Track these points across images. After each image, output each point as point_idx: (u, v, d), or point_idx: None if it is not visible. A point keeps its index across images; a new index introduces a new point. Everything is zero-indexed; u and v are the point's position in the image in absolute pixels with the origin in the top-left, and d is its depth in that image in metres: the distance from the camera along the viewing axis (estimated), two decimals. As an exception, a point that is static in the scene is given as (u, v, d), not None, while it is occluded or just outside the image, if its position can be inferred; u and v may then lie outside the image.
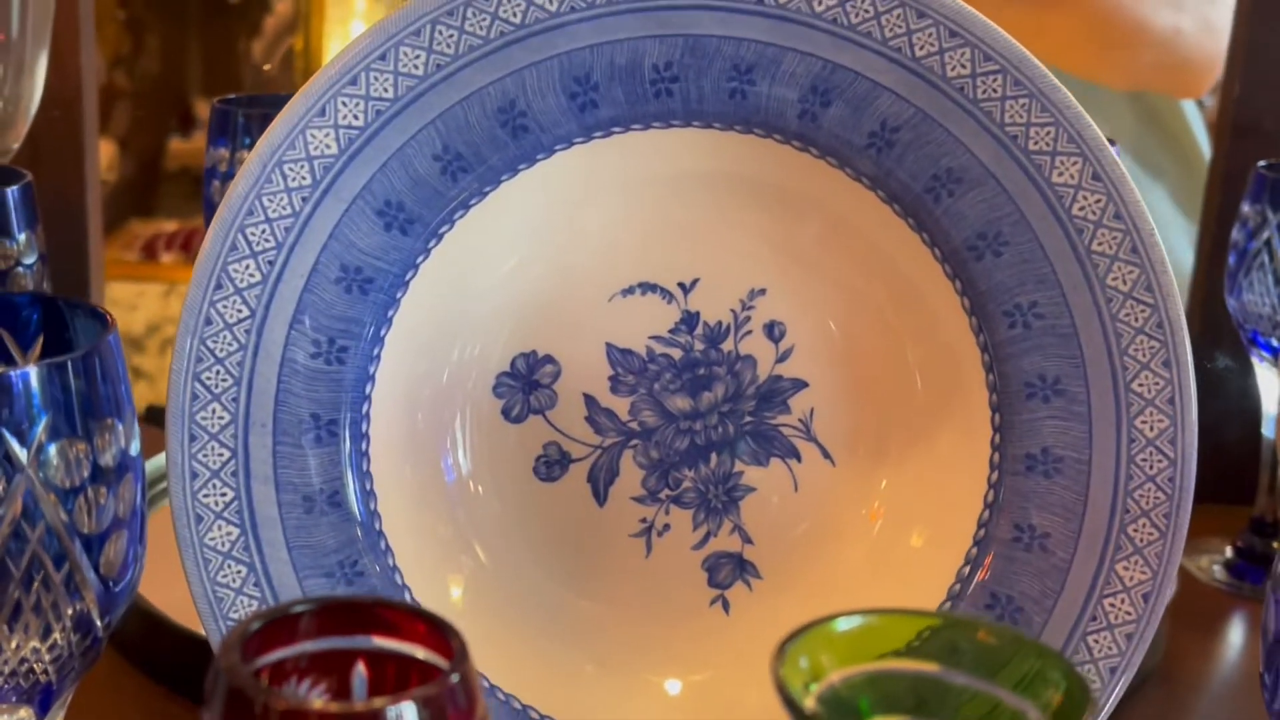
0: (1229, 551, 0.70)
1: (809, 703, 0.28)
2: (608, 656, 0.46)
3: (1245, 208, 0.63)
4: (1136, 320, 0.42)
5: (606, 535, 0.47)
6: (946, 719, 0.29)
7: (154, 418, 0.41)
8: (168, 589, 0.59)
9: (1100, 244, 0.42)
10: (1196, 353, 0.43)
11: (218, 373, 0.42)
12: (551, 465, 0.46)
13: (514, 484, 0.46)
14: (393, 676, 0.31)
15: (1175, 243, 0.90)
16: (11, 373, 0.34)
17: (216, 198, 0.57)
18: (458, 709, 0.29)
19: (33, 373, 0.34)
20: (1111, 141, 0.44)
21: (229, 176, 0.59)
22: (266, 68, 1.59)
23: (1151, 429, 0.43)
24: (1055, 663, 0.29)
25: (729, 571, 0.47)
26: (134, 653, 0.61)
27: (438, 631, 0.30)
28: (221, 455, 0.42)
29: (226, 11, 1.68)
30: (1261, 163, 0.64)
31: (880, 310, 0.46)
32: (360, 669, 0.32)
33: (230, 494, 0.42)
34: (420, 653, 0.31)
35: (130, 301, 1.37)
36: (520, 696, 0.45)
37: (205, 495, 0.42)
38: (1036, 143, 0.42)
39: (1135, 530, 0.43)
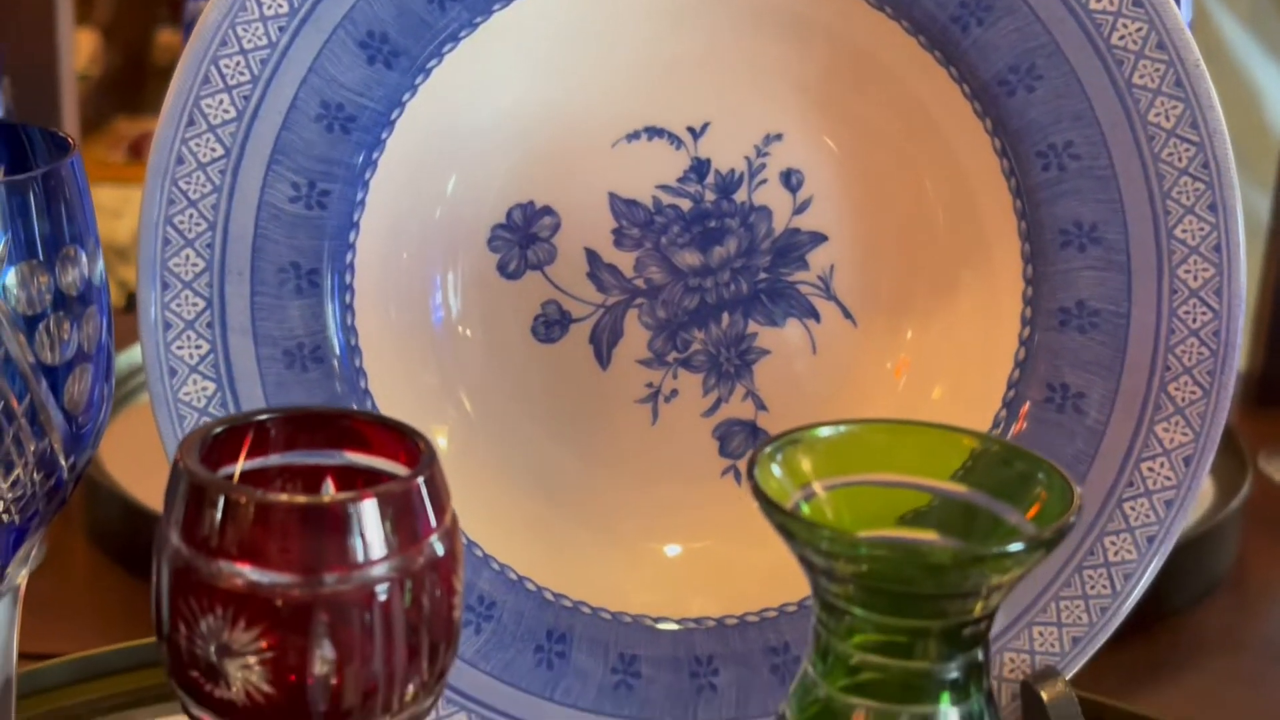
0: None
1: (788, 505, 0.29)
2: (606, 523, 0.45)
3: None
4: (1180, 160, 0.41)
5: (609, 401, 0.45)
6: (928, 529, 0.29)
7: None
8: (151, 484, 0.59)
9: (1141, 77, 0.40)
10: None
11: (191, 216, 0.41)
12: (551, 325, 0.45)
13: (510, 345, 0.45)
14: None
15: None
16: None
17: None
18: (421, 512, 0.28)
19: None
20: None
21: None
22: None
23: (1195, 279, 0.41)
24: (1037, 464, 0.29)
25: (742, 440, 0.46)
26: (115, 546, 0.61)
27: (408, 441, 0.30)
28: (196, 305, 0.41)
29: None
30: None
31: (905, 155, 0.44)
32: (329, 484, 0.31)
33: (206, 347, 0.42)
34: (391, 467, 0.30)
35: (115, 208, 1.29)
36: (516, 567, 0.44)
37: (179, 348, 0.42)
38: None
39: (1176, 389, 0.42)
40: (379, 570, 0.28)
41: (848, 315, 0.45)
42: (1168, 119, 0.41)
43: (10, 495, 0.36)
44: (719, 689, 0.44)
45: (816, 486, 0.30)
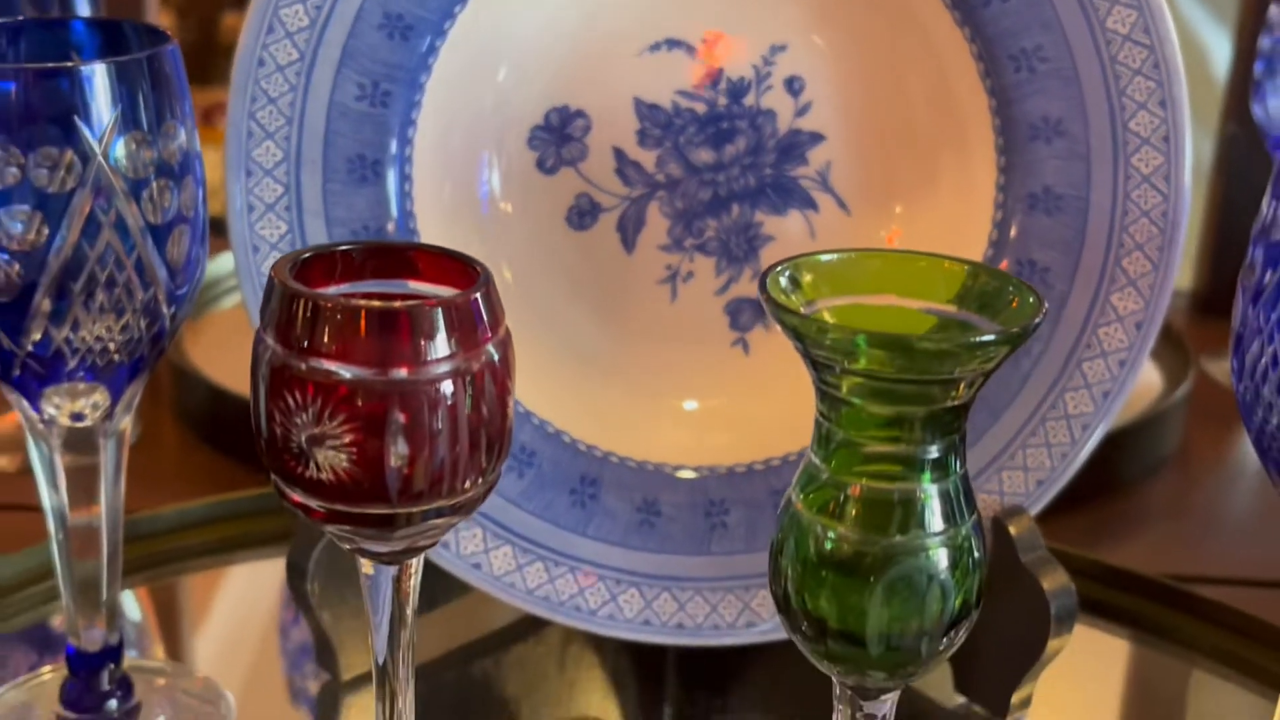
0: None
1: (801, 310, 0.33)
2: (631, 384, 0.51)
3: (1273, 13, 0.66)
4: (1134, 62, 0.46)
5: (634, 281, 0.51)
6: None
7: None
8: (229, 373, 0.67)
9: (1101, -12, 0.46)
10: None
11: (270, 112, 0.47)
12: (583, 215, 0.51)
13: (547, 230, 0.51)
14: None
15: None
16: (83, 67, 0.39)
17: None
18: (479, 322, 0.34)
19: (100, 69, 0.39)
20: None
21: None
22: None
23: (1147, 166, 0.47)
24: (1009, 281, 0.34)
25: (749, 315, 0.51)
26: (200, 425, 0.68)
27: (467, 268, 0.35)
28: (275, 191, 0.47)
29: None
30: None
31: (894, 62, 0.50)
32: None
33: (284, 227, 0.48)
34: (452, 292, 0.36)
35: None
36: (554, 422, 0.50)
37: (261, 228, 0.48)
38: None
39: (1129, 263, 0.47)
40: (443, 368, 0.33)
41: (842, 205, 0.51)
42: (1123, 25, 0.46)
43: (120, 339, 0.42)
44: (729, 526, 0.50)
45: (820, 304, 0.34)
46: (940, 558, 0.33)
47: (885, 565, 0.33)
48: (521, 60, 0.50)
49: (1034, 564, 0.47)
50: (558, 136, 0.51)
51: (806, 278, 0.34)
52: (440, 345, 0.33)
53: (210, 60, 1.60)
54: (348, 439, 0.34)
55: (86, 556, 0.45)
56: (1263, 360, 0.37)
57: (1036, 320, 0.32)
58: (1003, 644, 0.48)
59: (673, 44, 0.50)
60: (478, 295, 0.34)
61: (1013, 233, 0.48)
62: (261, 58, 0.46)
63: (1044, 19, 0.46)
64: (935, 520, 0.33)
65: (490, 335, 0.34)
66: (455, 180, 0.50)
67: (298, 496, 0.35)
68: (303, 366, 0.33)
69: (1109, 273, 0.47)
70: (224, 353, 0.70)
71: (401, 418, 0.33)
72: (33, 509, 0.48)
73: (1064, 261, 0.48)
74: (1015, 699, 0.48)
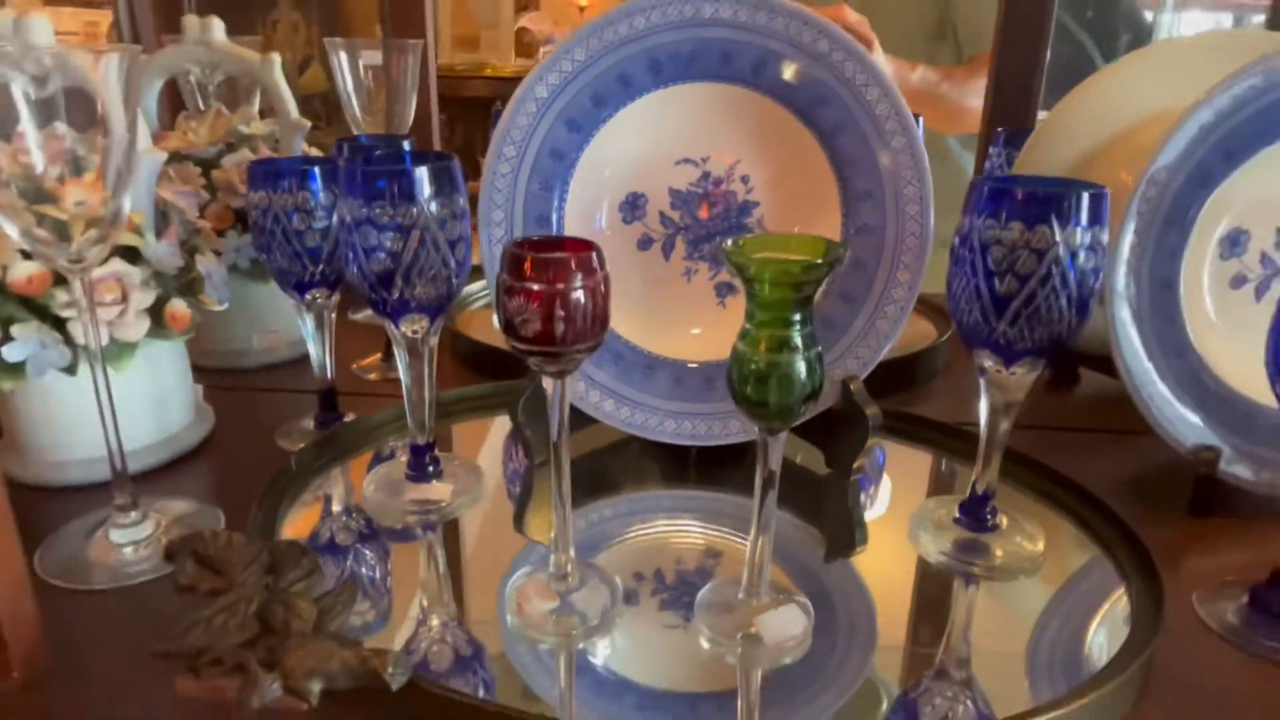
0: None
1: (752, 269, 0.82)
2: (665, 321, 1.01)
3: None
4: (905, 165, 0.96)
5: (668, 274, 1.02)
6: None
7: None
8: (483, 336, 1.22)
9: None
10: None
11: (499, 194, 0.98)
12: (644, 243, 1.01)
13: (625, 253, 1.01)
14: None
15: None
16: (416, 169, 0.90)
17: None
18: (597, 266, 0.83)
19: (424, 170, 0.90)
20: (917, 117, 0.98)
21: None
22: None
23: (912, 210, 0.96)
24: (835, 245, 0.82)
25: (725, 290, 1.01)
26: (466, 362, 1.21)
27: (590, 245, 0.86)
28: (499, 233, 0.98)
29: None
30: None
31: (790, 165, 0.99)
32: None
33: (500, 233, 0.98)
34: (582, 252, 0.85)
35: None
36: (630, 339, 1.00)
37: (495, 247, 0.98)
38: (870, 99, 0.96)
39: (906, 258, 0.96)
40: (577, 285, 0.82)
41: (772, 236, 1.01)
42: (899, 147, 0.95)
43: (433, 295, 0.92)
44: (718, 388, 0.99)
45: (749, 255, 0.83)
46: (802, 367, 0.79)
47: (777, 370, 0.80)
48: (615, 167, 1.01)
49: (860, 400, 0.94)
50: (631, 206, 1.01)
51: (743, 243, 0.83)
52: (576, 276, 0.83)
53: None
54: (535, 316, 0.83)
55: (418, 406, 0.96)
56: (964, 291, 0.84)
57: (842, 254, 0.80)
58: (848, 442, 0.95)
59: (686, 160, 1.00)
60: (594, 254, 0.84)
61: (851, 239, 0.97)
62: (495, 168, 0.98)
63: (865, 147, 0.96)
64: (799, 351, 0.79)
65: (599, 273, 0.84)
66: (583, 220, 1.00)
67: (519, 345, 0.85)
68: (519, 285, 0.83)
69: (895, 262, 0.96)
70: (478, 323, 1.25)
71: (561, 310, 0.83)
72: (391, 395, 1.00)
73: (873, 257, 0.96)
74: (854, 467, 0.96)
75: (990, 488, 0.89)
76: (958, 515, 0.90)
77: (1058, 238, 0.76)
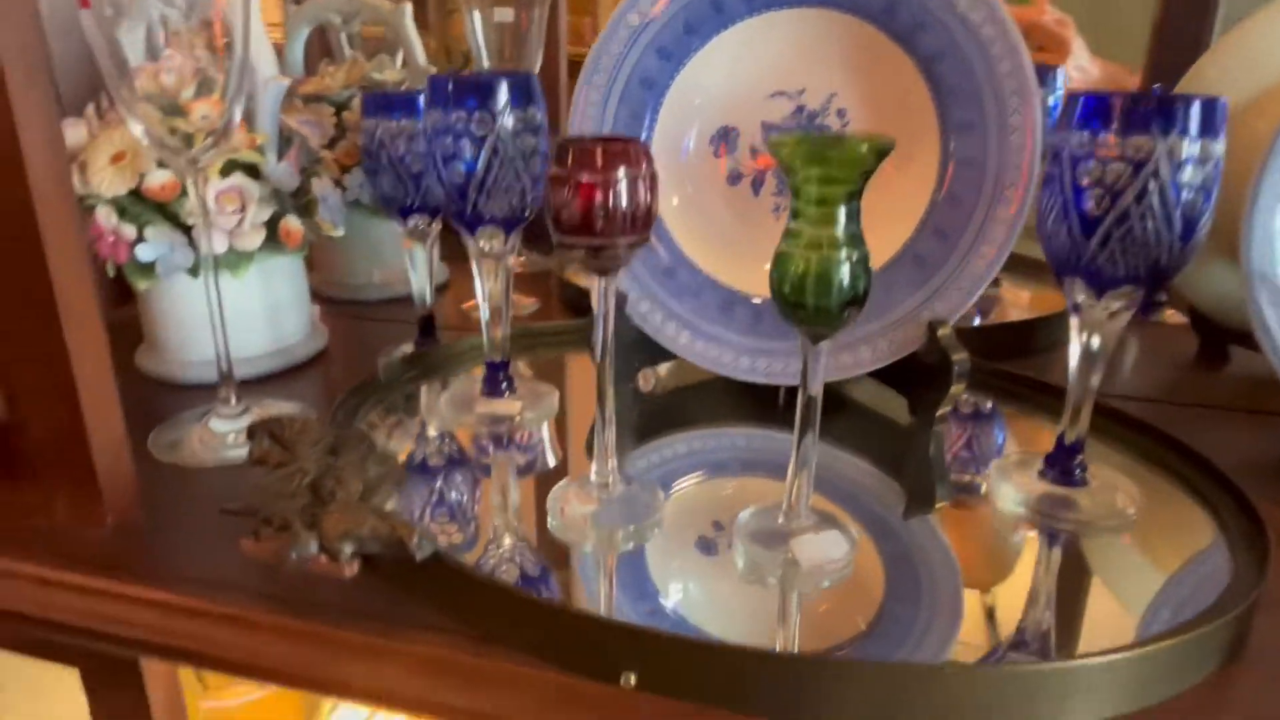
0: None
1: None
2: (748, 256, 0.96)
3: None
4: (1010, 86, 0.88)
5: (756, 212, 0.97)
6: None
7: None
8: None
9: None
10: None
11: (594, 96, 0.95)
12: (735, 178, 0.97)
13: (714, 186, 0.97)
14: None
15: None
16: (494, 79, 0.88)
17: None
18: (641, 160, 0.79)
19: (504, 80, 0.88)
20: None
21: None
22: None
23: (1015, 144, 0.88)
24: (883, 141, 0.76)
25: (817, 230, 0.96)
26: (568, 303, 1.18)
27: (637, 143, 0.81)
28: (582, 158, 0.95)
29: None
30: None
31: (888, 96, 0.93)
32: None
33: (585, 176, 0.96)
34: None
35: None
36: (705, 270, 0.95)
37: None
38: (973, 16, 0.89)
39: (1009, 192, 0.88)
40: (627, 173, 0.78)
41: (868, 173, 0.95)
42: (1007, 67, 0.88)
43: (508, 209, 0.89)
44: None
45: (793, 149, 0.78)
46: (845, 269, 0.74)
47: (820, 268, 0.75)
48: (707, 96, 0.97)
49: (948, 345, 0.87)
50: (722, 138, 0.97)
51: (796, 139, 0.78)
52: (619, 166, 0.77)
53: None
54: (576, 204, 0.78)
55: (494, 322, 0.93)
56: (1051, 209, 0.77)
57: (888, 147, 0.73)
58: (932, 389, 0.88)
59: (779, 94, 0.96)
60: (636, 146, 0.79)
61: (949, 173, 0.91)
62: (585, 95, 0.95)
63: (967, 73, 0.90)
64: (840, 250, 0.75)
65: (641, 166, 0.79)
66: (670, 144, 0.97)
67: (564, 238, 0.81)
68: (561, 174, 0.79)
69: (996, 198, 0.88)
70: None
71: (600, 198, 0.78)
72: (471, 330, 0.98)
73: (971, 191, 0.89)
74: (938, 415, 0.89)
75: (1079, 439, 0.80)
76: (1042, 468, 0.82)
77: (1159, 147, 0.69)
